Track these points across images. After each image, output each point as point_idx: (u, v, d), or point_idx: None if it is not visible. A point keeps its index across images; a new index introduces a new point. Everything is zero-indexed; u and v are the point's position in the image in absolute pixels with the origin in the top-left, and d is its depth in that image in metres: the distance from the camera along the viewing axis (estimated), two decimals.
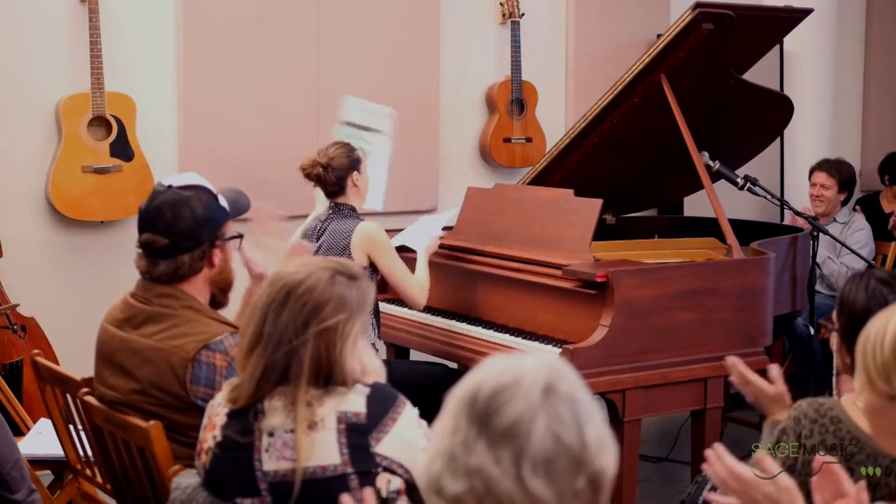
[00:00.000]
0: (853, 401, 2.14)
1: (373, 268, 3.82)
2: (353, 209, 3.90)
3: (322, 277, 2.07)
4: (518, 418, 1.26)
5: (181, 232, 2.50)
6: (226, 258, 2.62)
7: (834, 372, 2.41)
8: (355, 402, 2.07)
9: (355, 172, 3.88)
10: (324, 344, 2.04)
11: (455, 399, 1.33)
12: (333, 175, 3.86)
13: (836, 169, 5.43)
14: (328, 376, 2.06)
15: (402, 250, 4.03)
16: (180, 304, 2.53)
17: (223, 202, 2.59)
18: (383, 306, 4.24)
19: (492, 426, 1.27)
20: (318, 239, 3.88)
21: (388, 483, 2.04)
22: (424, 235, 4.08)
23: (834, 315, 2.35)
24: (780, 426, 2.24)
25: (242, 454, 2.07)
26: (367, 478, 2.04)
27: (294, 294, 2.05)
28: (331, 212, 3.91)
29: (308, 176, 3.88)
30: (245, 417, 2.08)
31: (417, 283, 3.86)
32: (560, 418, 1.27)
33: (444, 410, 1.34)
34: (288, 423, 2.04)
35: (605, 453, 1.29)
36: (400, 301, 4.14)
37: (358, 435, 2.04)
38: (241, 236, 2.67)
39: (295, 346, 2.03)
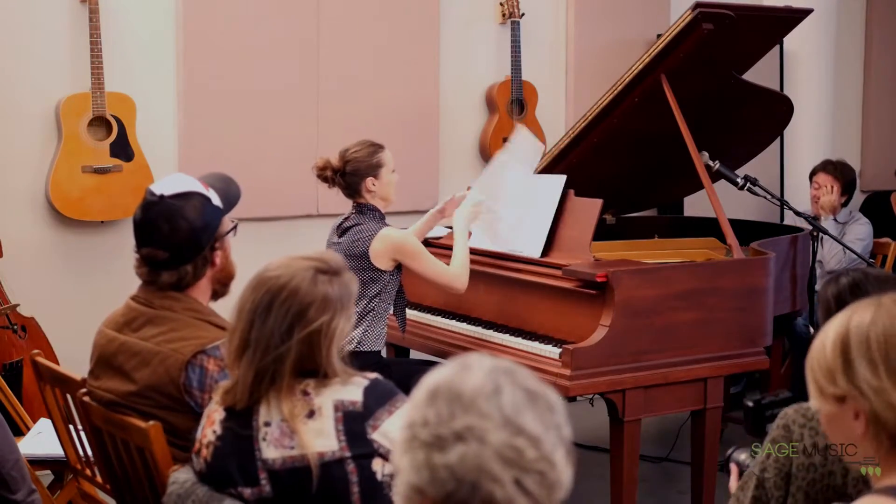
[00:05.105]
0: None
1: (397, 268, 3.74)
2: (375, 210, 3.78)
3: (305, 278, 2.09)
4: (482, 383, 1.34)
5: (180, 243, 2.48)
6: (226, 255, 2.60)
7: None
8: (352, 392, 2.10)
9: (370, 179, 3.74)
10: (307, 347, 2.08)
11: (412, 407, 1.37)
12: (345, 180, 3.75)
13: (840, 171, 5.42)
14: (313, 372, 2.10)
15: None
16: (181, 306, 2.52)
17: (216, 200, 2.54)
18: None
19: (462, 397, 1.33)
20: (339, 237, 3.77)
21: (382, 467, 2.09)
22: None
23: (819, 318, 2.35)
24: (769, 437, 2.20)
25: (243, 444, 2.10)
26: (365, 461, 2.08)
27: (278, 299, 2.07)
28: (353, 211, 3.80)
29: (319, 178, 3.78)
30: (243, 412, 2.12)
31: (455, 272, 3.71)
32: (517, 377, 1.37)
33: (400, 436, 1.37)
34: (283, 412, 2.08)
35: (560, 400, 1.40)
36: None
37: (355, 421, 2.08)
38: (235, 227, 2.63)
39: (281, 351, 2.07)
